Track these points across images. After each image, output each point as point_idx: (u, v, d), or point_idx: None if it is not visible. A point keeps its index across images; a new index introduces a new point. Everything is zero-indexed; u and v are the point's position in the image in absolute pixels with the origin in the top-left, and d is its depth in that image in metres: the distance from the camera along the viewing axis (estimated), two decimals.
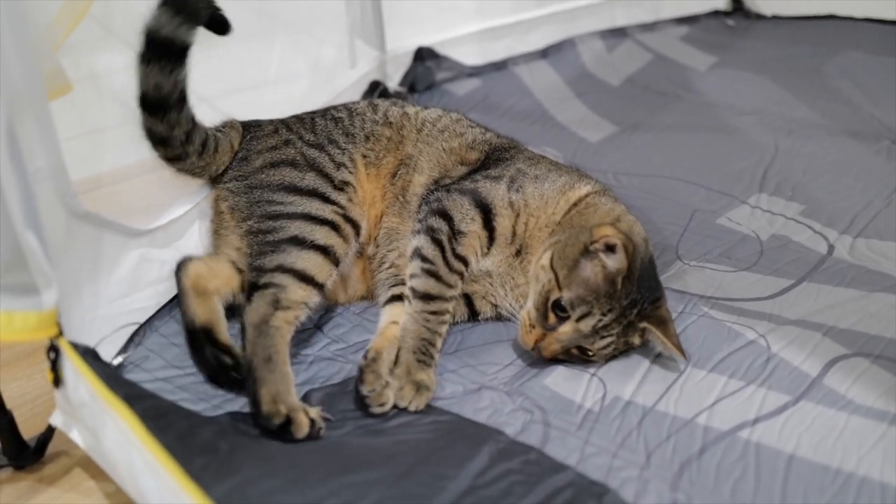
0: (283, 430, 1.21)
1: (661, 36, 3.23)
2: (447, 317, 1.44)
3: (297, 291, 1.37)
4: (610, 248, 1.35)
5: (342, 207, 1.50)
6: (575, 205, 1.51)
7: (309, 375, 1.42)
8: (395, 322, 1.46)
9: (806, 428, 1.23)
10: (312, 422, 1.22)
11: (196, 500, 0.95)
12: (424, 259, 1.46)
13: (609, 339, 1.37)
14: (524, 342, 1.41)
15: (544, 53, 2.99)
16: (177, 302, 1.55)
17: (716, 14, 3.46)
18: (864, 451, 1.18)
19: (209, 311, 1.41)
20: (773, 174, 2.12)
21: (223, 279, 1.46)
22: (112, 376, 1.15)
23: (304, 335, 1.52)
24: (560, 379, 1.38)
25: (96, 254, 1.37)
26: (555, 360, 1.41)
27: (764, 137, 2.36)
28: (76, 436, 1.23)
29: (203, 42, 2.19)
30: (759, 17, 3.44)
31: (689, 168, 2.19)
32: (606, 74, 2.94)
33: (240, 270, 1.48)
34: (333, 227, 1.47)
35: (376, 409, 1.29)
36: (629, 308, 1.35)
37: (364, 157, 1.61)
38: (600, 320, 1.35)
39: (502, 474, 1.11)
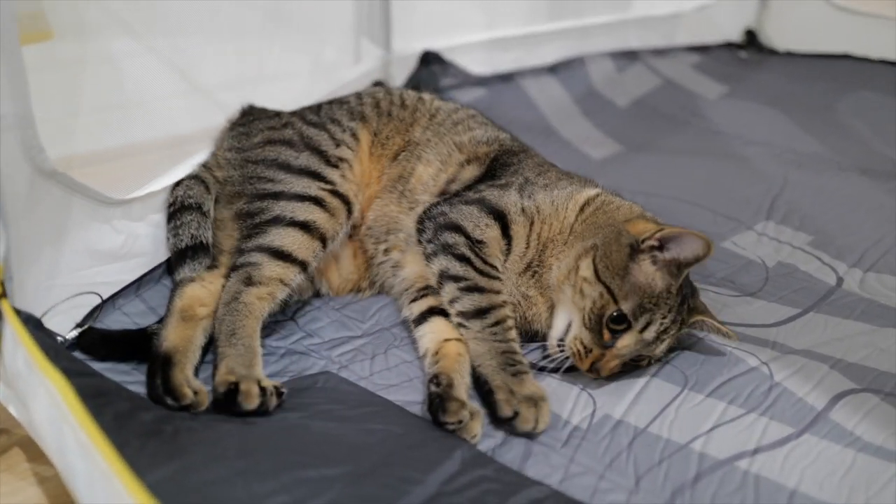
0: (230, 401, 1.11)
1: (673, 62, 3.17)
2: (510, 321, 1.32)
3: (271, 268, 1.30)
4: (662, 244, 1.29)
5: (331, 183, 1.44)
6: (584, 207, 1.42)
7: (279, 368, 1.32)
8: (449, 339, 1.33)
9: (810, 462, 1.14)
10: (263, 391, 1.13)
11: (127, 486, 0.85)
12: (457, 279, 1.33)
13: (669, 341, 1.30)
14: (581, 366, 1.28)
15: (553, 69, 2.92)
16: (144, 280, 1.46)
17: (729, 46, 3.40)
18: (874, 492, 1.09)
19: (181, 338, 1.23)
20: (782, 203, 2.04)
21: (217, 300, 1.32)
22: (54, 348, 1.05)
23: (276, 327, 1.43)
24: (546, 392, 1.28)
25: (62, 218, 1.27)
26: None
27: (773, 168, 2.29)
28: (13, 410, 1.12)
29: (208, 34, 2.14)
30: (773, 52, 3.38)
31: (694, 191, 2.10)
32: (614, 95, 2.88)
33: None
34: (318, 202, 1.39)
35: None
36: (682, 304, 1.30)
37: (375, 135, 1.57)
38: (662, 324, 1.27)
39: (474, 481, 1.01)
